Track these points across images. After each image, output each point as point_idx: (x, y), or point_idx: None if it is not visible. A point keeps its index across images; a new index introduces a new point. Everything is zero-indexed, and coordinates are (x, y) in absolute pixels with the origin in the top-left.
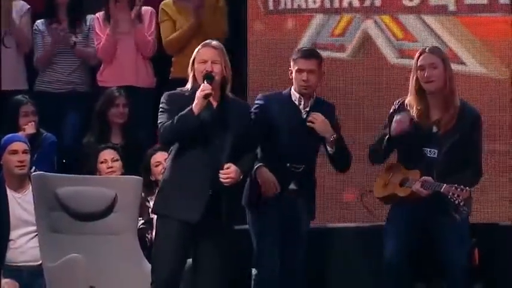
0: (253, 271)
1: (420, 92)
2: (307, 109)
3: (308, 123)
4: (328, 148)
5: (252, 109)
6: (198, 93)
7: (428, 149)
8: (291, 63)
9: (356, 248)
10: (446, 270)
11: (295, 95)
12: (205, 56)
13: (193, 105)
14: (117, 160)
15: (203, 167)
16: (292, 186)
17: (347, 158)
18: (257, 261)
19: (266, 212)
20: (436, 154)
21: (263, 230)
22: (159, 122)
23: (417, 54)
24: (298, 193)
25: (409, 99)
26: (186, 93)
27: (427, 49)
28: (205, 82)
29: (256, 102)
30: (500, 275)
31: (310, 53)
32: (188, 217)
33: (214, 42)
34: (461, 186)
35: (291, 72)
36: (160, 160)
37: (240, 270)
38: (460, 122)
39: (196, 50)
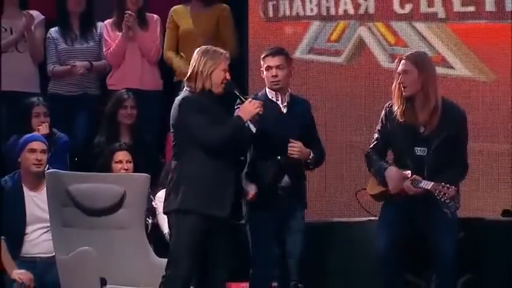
0: (251, 270)
1: (401, 97)
2: (285, 104)
3: (289, 154)
4: (309, 165)
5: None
6: (255, 109)
7: (418, 148)
8: (262, 63)
9: (353, 241)
10: (435, 262)
11: (271, 93)
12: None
13: (248, 118)
14: (130, 162)
15: (231, 165)
16: (286, 179)
17: (322, 160)
18: (253, 260)
19: (262, 209)
20: (425, 152)
21: (259, 228)
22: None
23: (396, 61)
24: (291, 186)
25: (393, 101)
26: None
27: (404, 56)
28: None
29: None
30: (487, 268)
31: (277, 51)
32: (218, 213)
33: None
34: (448, 185)
35: (262, 72)
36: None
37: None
38: (444, 121)
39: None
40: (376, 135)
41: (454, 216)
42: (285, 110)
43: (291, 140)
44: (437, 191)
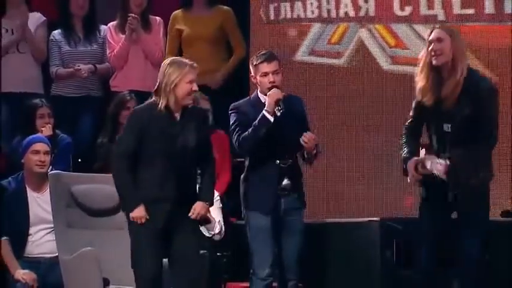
0: (251, 271)
1: (428, 68)
2: (279, 107)
3: (302, 143)
4: (306, 155)
5: (231, 117)
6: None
7: (445, 124)
8: (252, 69)
9: (351, 241)
10: (459, 262)
11: (263, 97)
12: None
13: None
14: None
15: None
16: (285, 181)
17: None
18: (253, 261)
19: (261, 209)
20: (449, 129)
21: (258, 228)
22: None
23: (428, 31)
24: (290, 188)
25: (418, 72)
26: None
27: (437, 25)
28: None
29: (232, 109)
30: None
31: (271, 56)
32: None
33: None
34: (441, 161)
35: (254, 77)
36: None
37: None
38: (467, 96)
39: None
40: (411, 113)
41: (481, 216)
42: (278, 113)
43: (304, 134)
44: (434, 170)
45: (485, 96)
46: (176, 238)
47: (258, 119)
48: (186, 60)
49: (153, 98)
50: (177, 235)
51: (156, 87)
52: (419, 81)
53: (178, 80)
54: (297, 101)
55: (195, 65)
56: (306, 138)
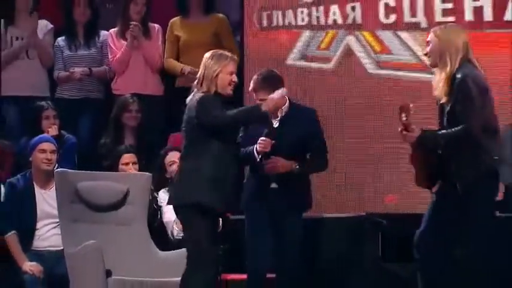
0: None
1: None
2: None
3: (267, 171)
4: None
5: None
6: (276, 102)
7: (445, 120)
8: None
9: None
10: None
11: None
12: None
13: (265, 107)
14: (136, 163)
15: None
16: (273, 185)
17: (318, 167)
18: (248, 251)
19: (255, 213)
20: (446, 123)
21: (253, 232)
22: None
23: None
24: (279, 191)
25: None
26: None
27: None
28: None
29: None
30: None
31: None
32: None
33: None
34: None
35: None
36: (174, 159)
37: None
38: (454, 90)
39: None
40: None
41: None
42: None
43: (271, 157)
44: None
45: (461, 86)
46: None
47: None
48: (227, 53)
49: (197, 88)
50: None
51: (197, 80)
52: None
53: (219, 71)
54: (308, 112)
55: (235, 57)
56: (271, 164)
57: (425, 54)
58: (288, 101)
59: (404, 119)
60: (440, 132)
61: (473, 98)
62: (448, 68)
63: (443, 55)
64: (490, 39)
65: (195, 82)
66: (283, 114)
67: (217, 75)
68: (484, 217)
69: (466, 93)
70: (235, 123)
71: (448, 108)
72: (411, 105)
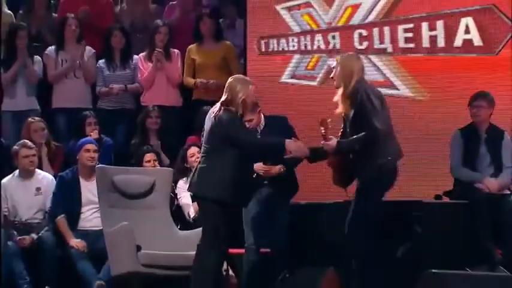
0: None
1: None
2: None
3: (263, 175)
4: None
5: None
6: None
7: (348, 129)
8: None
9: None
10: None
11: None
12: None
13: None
14: (156, 160)
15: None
16: (265, 182)
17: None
18: (246, 230)
19: (250, 205)
20: (349, 131)
21: (247, 221)
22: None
23: None
24: (269, 186)
25: None
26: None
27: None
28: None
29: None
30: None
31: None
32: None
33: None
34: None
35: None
36: (194, 152)
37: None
38: (352, 104)
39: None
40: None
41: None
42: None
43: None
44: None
45: (359, 102)
46: None
47: (280, 153)
48: (248, 79)
49: (223, 107)
50: None
51: (225, 98)
52: None
53: (246, 96)
54: (281, 120)
55: (252, 82)
56: (263, 173)
57: (332, 78)
58: (263, 116)
59: (323, 131)
60: (352, 138)
61: (375, 105)
62: (346, 88)
63: (344, 78)
64: (460, 63)
65: (223, 101)
66: (262, 128)
67: (243, 100)
68: (373, 211)
69: (369, 103)
70: (256, 150)
71: (350, 119)
72: (329, 120)
